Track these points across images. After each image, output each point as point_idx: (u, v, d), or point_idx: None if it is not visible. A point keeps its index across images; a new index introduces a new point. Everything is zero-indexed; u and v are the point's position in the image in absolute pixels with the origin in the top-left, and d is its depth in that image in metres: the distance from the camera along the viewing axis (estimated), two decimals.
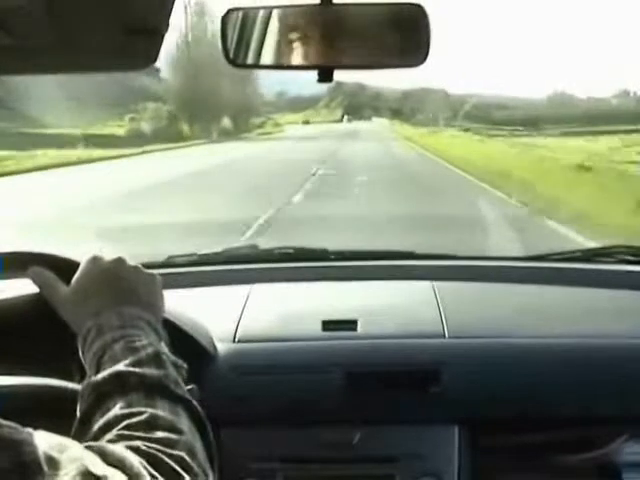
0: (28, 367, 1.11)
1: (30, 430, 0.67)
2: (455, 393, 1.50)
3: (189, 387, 0.96)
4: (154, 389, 0.88)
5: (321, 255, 2.10)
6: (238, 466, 1.44)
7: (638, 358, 1.57)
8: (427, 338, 1.60)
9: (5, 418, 0.67)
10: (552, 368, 1.53)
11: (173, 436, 0.81)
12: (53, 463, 0.65)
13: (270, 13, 1.08)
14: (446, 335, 1.59)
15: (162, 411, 0.84)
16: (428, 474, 1.45)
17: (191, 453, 0.80)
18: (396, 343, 1.58)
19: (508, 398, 1.53)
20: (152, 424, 0.82)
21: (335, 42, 1.07)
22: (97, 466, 0.69)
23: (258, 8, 1.09)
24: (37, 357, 1.16)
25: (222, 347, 1.54)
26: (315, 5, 1.04)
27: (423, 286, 1.82)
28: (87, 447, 0.73)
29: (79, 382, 1.07)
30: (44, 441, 0.67)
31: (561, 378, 1.52)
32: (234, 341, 1.58)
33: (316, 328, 1.62)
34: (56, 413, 0.92)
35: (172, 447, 0.79)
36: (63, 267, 1.11)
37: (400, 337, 1.60)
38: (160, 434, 0.80)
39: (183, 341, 1.28)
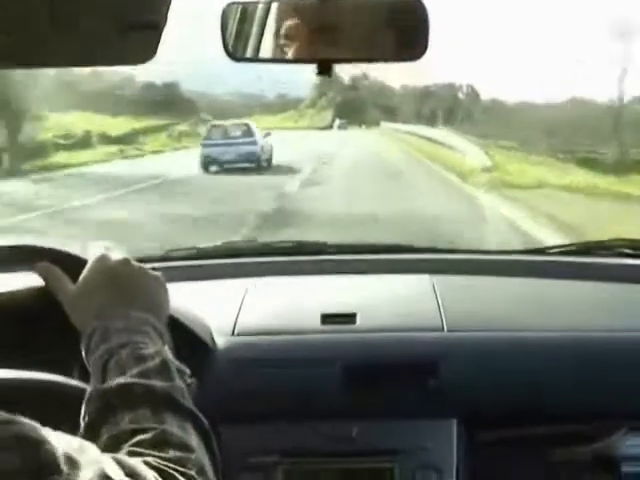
0: (28, 360, 1.11)
1: (48, 429, 0.68)
2: (454, 386, 1.51)
3: (188, 381, 0.96)
4: (162, 402, 0.87)
5: (320, 248, 2.10)
6: (237, 460, 1.44)
7: (636, 351, 1.57)
8: (426, 331, 1.60)
9: (7, 411, 0.67)
10: (551, 361, 1.53)
11: (184, 454, 0.81)
12: (72, 463, 0.65)
13: (269, 7, 1.08)
14: (445, 328, 1.59)
15: (171, 427, 0.84)
16: (427, 467, 1.45)
17: (201, 471, 0.81)
18: (395, 336, 1.59)
19: (507, 391, 1.53)
20: (163, 441, 0.82)
21: (334, 35, 1.07)
22: (115, 472, 0.69)
23: (257, 2, 1.09)
24: (37, 350, 1.16)
25: (221, 340, 1.54)
26: None
27: (422, 279, 1.82)
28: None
29: (78, 378, 1.07)
30: (63, 441, 0.67)
31: (560, 371, 1.53)
32: (233, 334, 1.59)
33: (315, 321, 1.62)
34: (57, 409, 0.92)
35: (183, 465, 0.79)
36: (70, 263, 1.11)
37: (399, 330, 1.60)
38: (172, 452, 0.80)
39: (182, 334, 1.28)
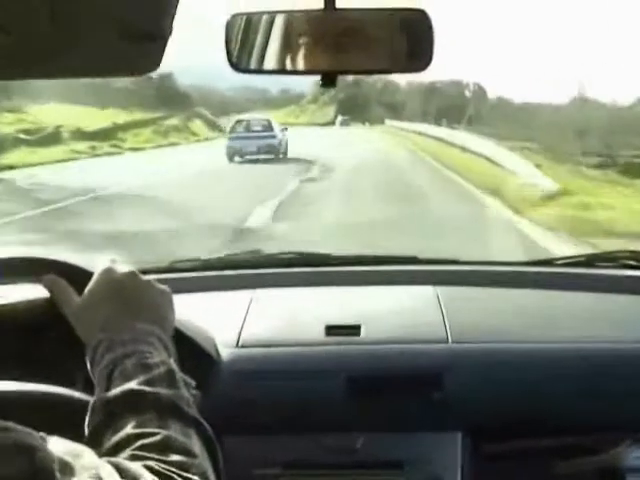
0: (32, 372, 1.11)
1: (44, 435, 0.68)
2: (458, 398, 1.50)
3: (193, 392, 0.96)
4: (166, 409, 0.87)
5: (324, 260, 2.09)
6: (241, 471, 1.43)
7: None
8: (430, 343, 1.59)
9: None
10: (556, 373, 1.53)
11: (187, 459, 0.81)
12: (67, 469, 0.65)
13: (273, 18, 1.09)
14: (449, 340, 1.59)
15: (175, 433, 0.84)
16: None
17: (204, 476, 0.81)
18: (399, 348, 1.58)
19: (511, 403, 1.52)
20: (166, 446, 0.82)
21: (338, 47, 1.07)
22: (112, 476, 0.69)
23: (262, 13, 1.09)
24: (42, 362, 1.16)
25: (225, 352, 1.54)
26: (318, 10, 1.04)
27: (426, 291, 1.82)
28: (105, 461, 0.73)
29: (82, 391, 1.07)
30: (59, 446, 0.67)
31: (565, 383, 1.52)
32: (237, 346, 1.58)
33: (319, 333, 1.62)
34: (61, 422, 0.92)
35: (186, 470, 0.79)
36: (76, 276, 1.12)
37: (403, 342, 1.60)
38: (175, 457, 0.80)
39: (186, 346, 1.28)
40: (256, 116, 25.55)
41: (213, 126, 34.95)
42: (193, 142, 29.17)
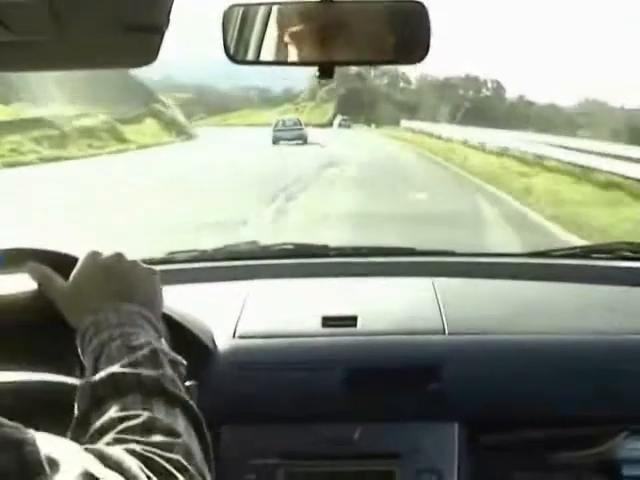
0: (28, 363, 1.11)
1: (32, 431, 0.68)
2: (455, 390, 1.50)
3: (188, 384, 0.96)
4: (150, 390, 0.87)
5: (321, 251, 2.10)
6: (238, 462, 1.44)
7: (637, 353, 1.57)
8: (427, 335, 1.60)
9: (6, 414, 0.67)
10: (552, 364, 1.53)
11: (170, 439, 0.80)
12: (54, 464, 0.65)
13: (270, 9, 1.08)
14: (446, 332, 1.59)
15: (159, 413, 0.84)
16: (428, 471, 1.45)
17: (188, 455, 0.80)
18: (396, 339, 1.58)
19: (508, 395, 1.53)
20: (149, 427, 0.81)
21: (335, 38, 1.07)
22: (97, 468, 0.69)
23: (259, 4, 1.09)
24: (37, 353, 1.16)
25: (222, 343, 1.54)
26: (315, 2, 1.04)
27: (423, 282, 1.82)
28: (85, 449, 0.73)
29: (79, 377, 1.08)
30: (45, 442, 0.67)
31: (561, 375, 1.52)
32: (234, 337, 1.59)
33: (316, 324, 1.62)
34: (56, 409, 0.92)
35: (169, 450, 0.78)
36: (61, 262, 1.11)
37: (400, 333, 1.60)
38: (157, 437, 0.80)
39: (183, 337, 1.28)
40: (290, 116, 36.07)
41: (171, 127, 28.54)
42: (105, 154, 20.40)
